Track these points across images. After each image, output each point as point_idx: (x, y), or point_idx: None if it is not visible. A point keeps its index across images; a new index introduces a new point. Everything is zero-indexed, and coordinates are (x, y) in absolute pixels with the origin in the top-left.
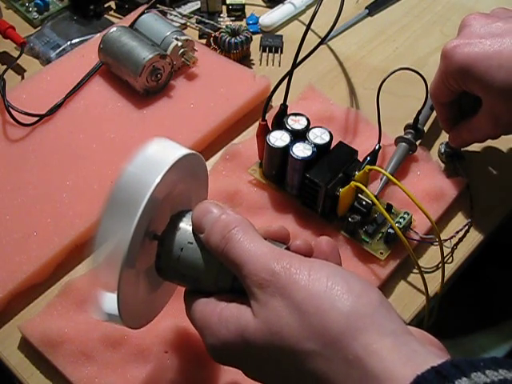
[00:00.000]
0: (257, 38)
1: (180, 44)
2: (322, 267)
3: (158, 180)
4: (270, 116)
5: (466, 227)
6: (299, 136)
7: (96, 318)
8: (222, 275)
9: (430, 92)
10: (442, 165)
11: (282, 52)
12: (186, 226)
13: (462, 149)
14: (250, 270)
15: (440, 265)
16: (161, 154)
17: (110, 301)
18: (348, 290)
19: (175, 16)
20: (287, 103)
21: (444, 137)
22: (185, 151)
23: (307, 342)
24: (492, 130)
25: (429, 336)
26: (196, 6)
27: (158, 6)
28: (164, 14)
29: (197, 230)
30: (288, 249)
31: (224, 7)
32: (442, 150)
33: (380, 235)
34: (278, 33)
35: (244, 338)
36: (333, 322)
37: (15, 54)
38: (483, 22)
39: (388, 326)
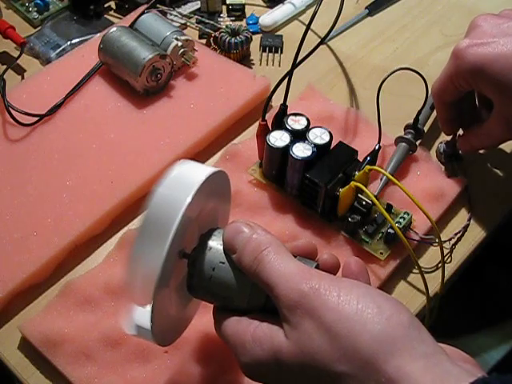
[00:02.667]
0: (257, 38)
1: (180, 44)
2: (352, 288)
3: (189, 199)
4: (269, 116)
5: (465, 228)
6: (299, 136)
7: (126, 332)
8: (254, 294)
9: (433, 90)
10: (442, 166)
11: (282, 52)
12: (217, 245)
13: None
14: (280, 291)
15: (440, 265)
16: (189, 174)
17: (141, 316)
18: (378, 312)
19: (175, 16)
20: (287, 103)
21: (444, 137)
22: (212, 169)
23: (339, 365)
24: (504, 134)
25: (461, 353)
26: (196, 5)
27: (158, 6)
28: (164, 13)
29: (229, 251)
30: (317, 265)
31: (224, 7)
32: (441, 150)
33: (380, 235)
34: (278, 33)
35: (277, 359)
36: (364, 345)
37: (15, 54)
38: (494, 22)
39: (419, 348)
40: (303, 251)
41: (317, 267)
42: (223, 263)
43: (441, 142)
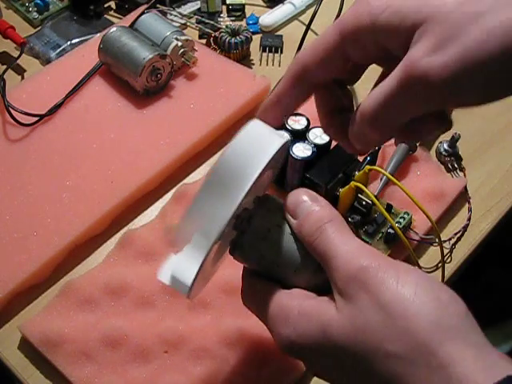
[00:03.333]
0: (257, 38)
1: (180, 44)
2: (411, 272)
3: (266, 161)
4: None
5: (465, 228)
6: (299, 136)
7: (159, 279)
8: (304, 264)
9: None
10: (442, 165)
11: (282, 52)
12: (275, 209)
13: (462, 149)
14: (339, 262)
15: (440, 265)
16: (265, 137)
17: (181, 268)
18: (436, 298)
19: (175, 16)
20: None
21: (445, 137)
22: (287, 136)
23: (390, 344)
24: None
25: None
26: (196, 5)
27: (158, 6)
28: (164, 14)
29: (290, 215)
30: None
31: (224, 7)
32: (441, 150)
33: (380, 235)
34: (278, 33)
35: (325, 334)
36: (419, 328)
37: (15, 54)
38: None
39: (472, 337)
40: None
41: None
42: (280, 227)
43: (440, 142)
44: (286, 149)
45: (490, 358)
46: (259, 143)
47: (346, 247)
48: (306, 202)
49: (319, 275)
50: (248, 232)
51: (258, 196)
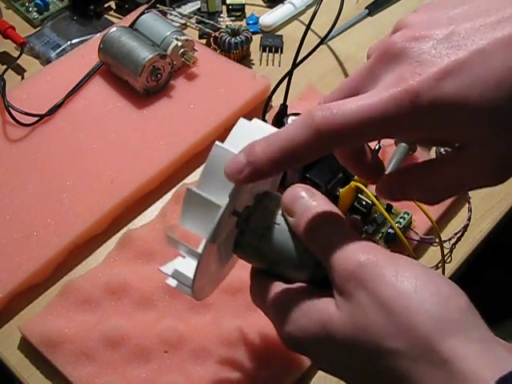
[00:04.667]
0: (257, 38)
1: (180, 44)
2: (411, 266)
3: None
4: (269, 116)
5: (465, 227)
6: None
7: (167, 283)
8: (304, 261)
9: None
10: None
11: (282, 52)
12: (273, 206)
13: None
14: (336, 259)
15: (440, 265)
16: (255, 133)
17: (182, 268)
18: (437, 292)
19: (175, 16)
20: (287, 103)
21: None
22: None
23: (393, 341)
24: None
25: (511, 345)
26: (196, 5)
27: (158, 6)
28: (164, 14)
29: (287, 213)
30: None
31: (224, 7)
32: (441, 150)
33: (380, 235)
34: (278, 33)
35: (326, 330)
36: (421, 324)
37: (15, 54)
38: (428, 39)
39: (475, 332)
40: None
41: None
42: (278, 224)
43: None
44: None
45: (494, 353)
46: (252, 136)
47: (343, 242)
48: (303, 198)
49: (320, 271)
50: (247, 231)
51: (258, 193)
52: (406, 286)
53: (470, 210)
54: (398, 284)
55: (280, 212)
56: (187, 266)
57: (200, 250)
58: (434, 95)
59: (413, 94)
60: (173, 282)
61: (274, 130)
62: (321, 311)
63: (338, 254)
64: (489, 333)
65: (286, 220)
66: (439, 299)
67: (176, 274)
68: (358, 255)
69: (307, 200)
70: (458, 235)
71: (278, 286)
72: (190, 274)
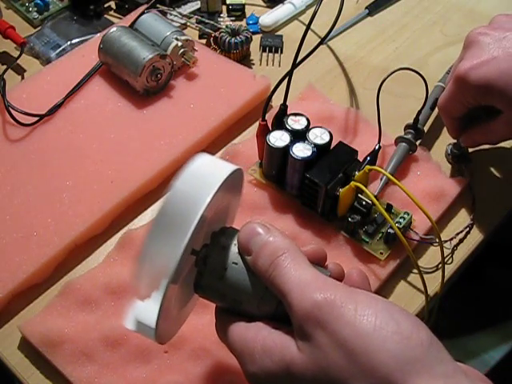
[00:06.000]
0: (257, 38)
1: (180, 44)
2: (370, 302)
3: (209, 199)
4: (269, 116)
5: (467, 228)
6: (299, 136)
7: (126, 327)
8: (265, 299)
9: (439, 107)
10: (449, 165)
11: (281, 52)
12: (230, 245)
13: (471, 150)
14: (292, 299)
15: (440, 265)
16: (209, 171)
17: (143, 312)
18: (397, 330)
19: (175, 16)
20: (287, 103)
21: (445, 137)
22: (232, 167)
23: (355, 381)
24: (508, 134)
25: (478, 373)
26: (196, 5)
27: (158, 6)
28: (164, 13)
29: (244, 252)
30: (330, 275)
31: (224, 7)
32: (449, 151)
33: (380, 235)
34: (278, 33)
35: (289, 372)
36: (382, 364)
37: (15, 53)
38: (490, 36)
39: (438, 368)
40: (313, 257)
41: (330, 277)
42: (236, 264)
43: (449, 144)
44: (240, 176)
45: None
46: (204, 179)
47: (299, 280)
48: (260, 235)
49: (282, 306)
50: (205, 273)
51: (214, 231)
52: (366, 325)
53: (474, 210)
54: (357, 323)
55: (237, 250)
56: (145, 311)
57: (160, 295)
58: (476, 76)
59: (464, 75)
60: (134, 328)
61: (231, 166)
62: (283, 352)
63: (296, 293)
64: (453, 365)
65: (242, 259)
66: (400, 337)
67: (139, 327)
68: (315, 294)
69: (263, 236)
70: (461, 235)
71: (240, 327)
72: (152, 320)
